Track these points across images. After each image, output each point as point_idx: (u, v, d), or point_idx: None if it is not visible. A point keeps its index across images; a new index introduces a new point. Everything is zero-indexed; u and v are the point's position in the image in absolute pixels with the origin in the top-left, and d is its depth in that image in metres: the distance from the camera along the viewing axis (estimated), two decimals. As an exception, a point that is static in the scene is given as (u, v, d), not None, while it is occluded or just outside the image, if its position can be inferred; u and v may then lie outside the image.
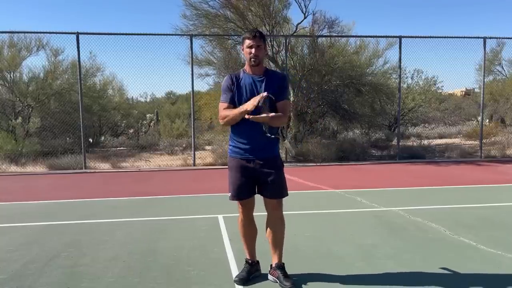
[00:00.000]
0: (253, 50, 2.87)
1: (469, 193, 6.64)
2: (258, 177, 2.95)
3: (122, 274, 3.23)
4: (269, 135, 2.87)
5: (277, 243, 3.05)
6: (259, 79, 2.93)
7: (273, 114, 2.75)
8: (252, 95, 2.87)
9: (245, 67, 3.01)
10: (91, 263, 3.46)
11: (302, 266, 3.30)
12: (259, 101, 2.77)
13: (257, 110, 2.79)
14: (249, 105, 2.79)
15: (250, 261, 3.15)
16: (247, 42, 2.88)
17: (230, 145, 3.03)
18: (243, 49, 2.96)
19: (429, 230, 4.36)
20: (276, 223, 3.05)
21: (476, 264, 3.39)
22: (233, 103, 2.93)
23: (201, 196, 6.45)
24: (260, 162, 2.93)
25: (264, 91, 2.85)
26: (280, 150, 3.06)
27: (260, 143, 2.92)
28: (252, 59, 2.89)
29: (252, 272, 3.12)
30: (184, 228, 4.57)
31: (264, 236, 3.13)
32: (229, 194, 3.03)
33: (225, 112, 2.94)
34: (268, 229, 3.08)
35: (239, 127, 2.93)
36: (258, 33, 2.90)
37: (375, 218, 4.89)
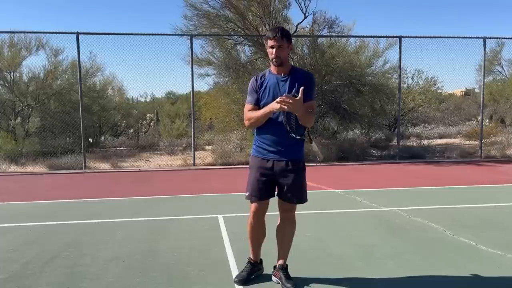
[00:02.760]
0: (274, 51, 2.78)
1: (469, 193, 6.64)
2: (277, 179, 2.89)
3: (122, 274, 3.23)
4: (293, 135, 2.77)
5: (285, 244, 3.04)
6: (283, 79, 2.84)
7: (296, 98, 2.61)
8: (275, 95, 2.77)
9: (271, 66, 2.93)
10: (91, 263, 3.46)
11: (302, 266, 3.30)
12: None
13: (284, 114, 2.72)
14: (275, 106, 2.69)
15: (252, 261, 3.13)
16: (269, 42, 2.79)
17: (254, 145, 2.98)
18: (266, 48, 2.87)
19: (429, 230, 4.36)
20: (287, 225, 3.02)
21: (476, 264, 3.39)
22: (258, 105, 2.87)
23: (201, 196, 6.45)
24: (281, 164, 2.85)
25: (288, 92, 2.77)
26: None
27: (284, 144, 2.84)
28: (273, 60, 2.81)
29: (253, 271, 3.11)
30: (184, 228, 4.57)
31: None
32: (247, 193, 2.96)
33: (250, 114, 2.87)
34: (278, 229, 3.06)
35: (264, 127, 2.87)
36: (280, 32, 2.76)
37: (375, 218, 4.89)
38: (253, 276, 3.09)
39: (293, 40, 11.03)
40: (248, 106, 2.91)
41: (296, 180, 2.87)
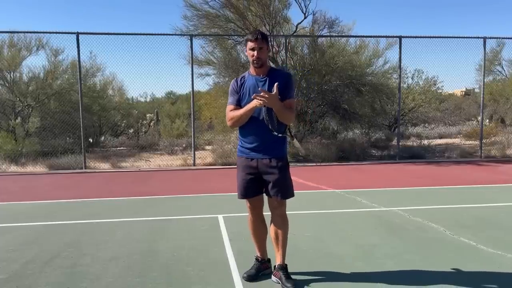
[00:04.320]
0: (255, 53, 2.87)
1: (469, 193, 6.64)
2: (262, 176, 2.97)
3: (122, 274, 3.23)
4: (275, 133, 2.88)
5: (279, 243, 3.05)
6: (262, 79, 2.94)
7: (271, 94, 2.74)
8: None
9: (250, 68, 3.02)
10: (91, 263, 3.46)
11: (302, 266, 3.30)
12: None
13: (266, 112, 2.83)
14: (254, 102, 2.81)
15: (259, 259, 3.17)
16: (249, 44, 2.88)
17: (238, 145, 3.09)
18: (246, 51, 2.96)
19: (429, 230, 4.35)
20: (277, 222, 3.05)
21: (476, 264, 3.39)
22: (240, 105, 2.96)
23: (201, 196, 6.45)
24: (265, 162, 2.94)
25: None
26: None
27: (266, 143, 2.93)
28: (254, 61, 2.89)
29: (261, 269, 3.14)
30: (183, 228, 4.57)
31: (269, 238, 3.14)
32: (238, 192, 3.08)
33: (232, 113, 2.96)
34: (271, 228, 3.09)
35: (245, 127, 2.96)
36: (260, 34, 2.88)
37: (375, 218, 4.89)
38: (260, 274, 3.12)
39: (293, 40, 11.02)
40: (229, 107, 3.00)
41: (280, 177, 2.94)
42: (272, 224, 3.08)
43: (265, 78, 2.93)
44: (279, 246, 3.05)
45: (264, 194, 3.06)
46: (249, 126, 2.94)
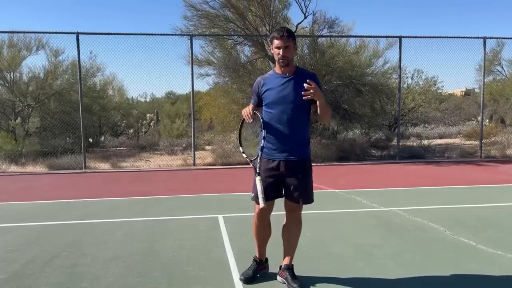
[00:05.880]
0: (281, 51, 2.78)
1: (469, 193, 6.64)
2: (283, 179, 2.87)
3: (122, 274, 3.23)
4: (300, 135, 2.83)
5: (291, 244, 3.03)
6: (288, 78, 2.85)
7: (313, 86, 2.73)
8: (280, 94, 2.82)
9: (275, 67, 2.94)
10: (91, 263, 3.46)
11: (302, 266, 3.28)
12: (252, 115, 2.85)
13: (307, 102, 2.80)
14: (244, 113, 2.86)
15: (258, 260, 3.13)
16: (276, 42, 2.80)
17: (260, 146, 2.98)
18: (272, 49, 2.88)
19: (429, 230, 4.36)
20: (293, 225, 3.01)
21: (476, 264, 3.39)
22: (260, 106, 2.94)
23: (201, 196, 6.44)
24: (288, 164, 2.84)
25: (293, 91, 2.81)
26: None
27: (289, 144, 2.82)
28: (280, 60, 2.81)
29: (259, 270, 3.11)
30: (184, 228, 4.56)
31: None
32: (252, 194, 2.93)
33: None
34: (284, 229, 3.05)
35: (269, 127, 2.85)
36: (287, 32, 2.79)
37: (375, 218, 4.89)
38: (258, 275, 3.09)
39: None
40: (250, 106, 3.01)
41: (302, 180, 2.84)
42: (285, 226, 3.04)
43: (291, 77, 2.84)
44: (289, 248, 3.03)
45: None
46: (273, 127, 2.83)
